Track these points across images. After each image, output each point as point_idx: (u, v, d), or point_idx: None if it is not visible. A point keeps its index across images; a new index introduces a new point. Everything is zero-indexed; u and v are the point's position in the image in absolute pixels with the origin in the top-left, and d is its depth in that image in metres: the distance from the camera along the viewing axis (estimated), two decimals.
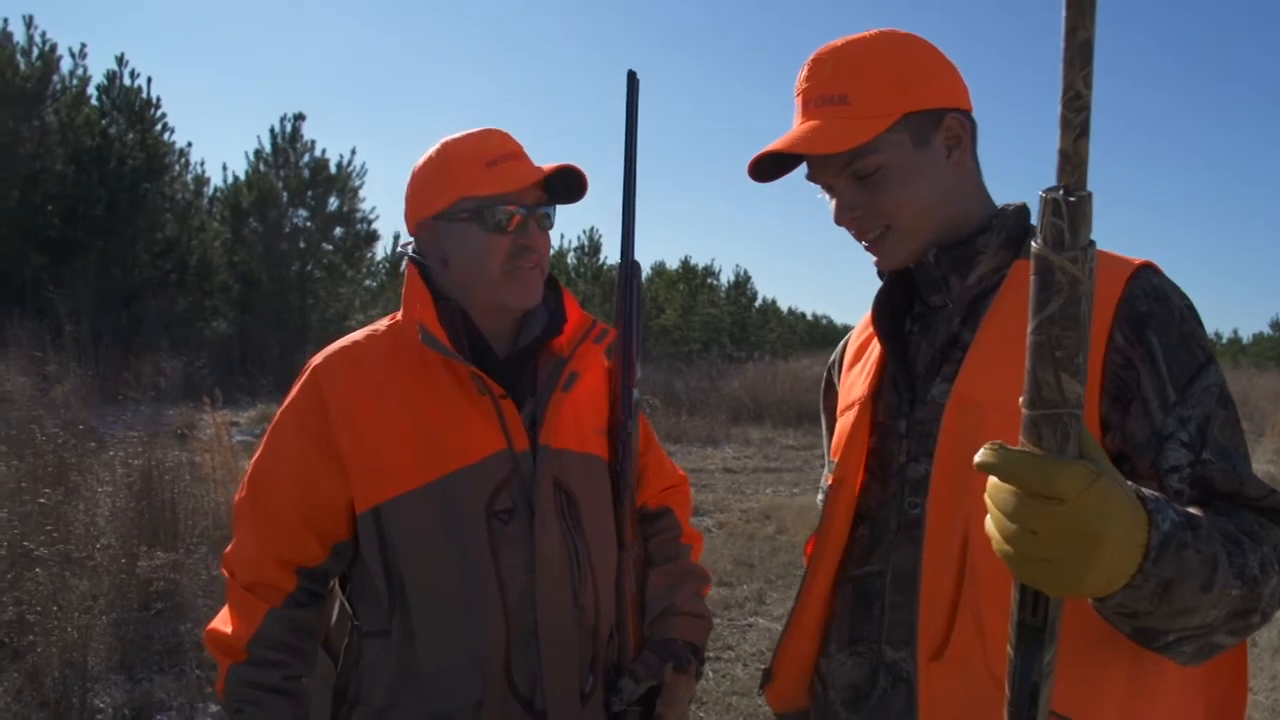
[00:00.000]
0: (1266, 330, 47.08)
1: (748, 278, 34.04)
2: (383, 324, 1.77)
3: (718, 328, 29.08)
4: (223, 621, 1.67)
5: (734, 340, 29.80)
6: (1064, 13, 0.82)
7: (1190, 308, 1.30)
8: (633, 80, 1.80)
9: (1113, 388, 1.26)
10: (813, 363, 23.78)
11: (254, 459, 1.73)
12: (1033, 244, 0.89)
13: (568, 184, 1.72)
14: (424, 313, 1.65)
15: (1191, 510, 1.10)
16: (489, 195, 1.64)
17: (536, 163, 1.72)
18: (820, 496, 1.72)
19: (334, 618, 1.78)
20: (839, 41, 1.42)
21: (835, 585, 1.49)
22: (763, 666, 5.22)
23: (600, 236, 28.32)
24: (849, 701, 1.45)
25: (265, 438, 1.73)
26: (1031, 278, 0.89)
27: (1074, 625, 1.02)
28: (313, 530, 1.65)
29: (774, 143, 1.40)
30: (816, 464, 13.15)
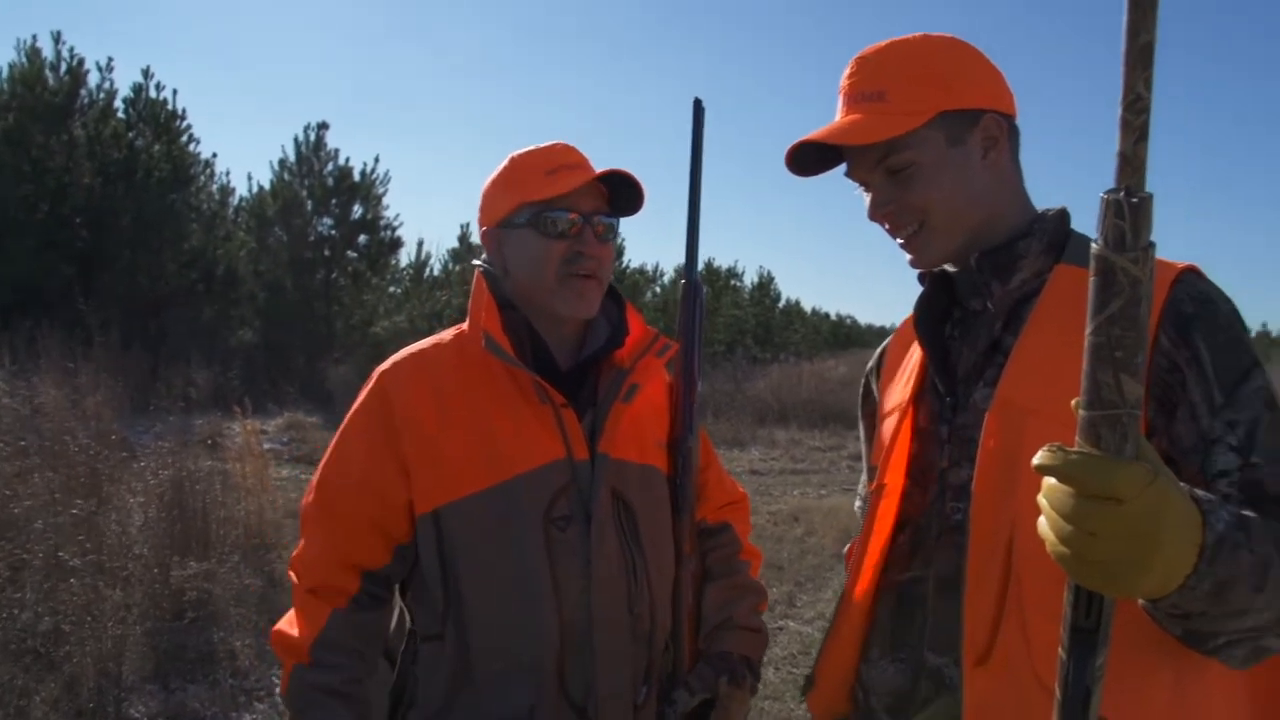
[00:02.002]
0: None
1: (771, 279, 34.07)
2: (449, 334, 1.80)
3: (742, 329, 29.05)
4: (288, 623, 1.69)
5: (758, 341, 29.78)
6: (1125, 15, 0.81)
7: (1235, 311, 1.29)
8: (698, 108, 1.81)
9: (1158, 391, 1.25)
10: (838, 363, 23.79)
11: (321, 464, 1.76)
12: (1093, 245, 0.89)
13: (627, 196, 1.74)
14: (489, 321, 1.67)
15: (1243, 512, 1.10)
16: (545, 200, 1.66)
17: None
18: (859, 503, 1.72)
19: (393, 622, 1.79)
20: (883, 43, 1.44)
21: (877, 591, 1.49)
22: (794, 670, 5.24)
23: (623, 240, 28.32)
24: (891, 708, 1.45)
25: (333, 443, 1.76)
26: (1091, 279, 0.89)
27: (1120, 631, 1.02)
28: (378, 532, 1.67)
29: (811, 133, 1.41)
30: (843, 466, 13.12)
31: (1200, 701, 1.25)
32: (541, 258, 1.67)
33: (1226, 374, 1.24)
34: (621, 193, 1.73)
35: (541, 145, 1.75)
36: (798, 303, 39.54)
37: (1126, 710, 1.19)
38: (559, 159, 1.71)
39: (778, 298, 34.65)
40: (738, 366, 20.53)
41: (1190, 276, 1.30)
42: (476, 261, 1.81)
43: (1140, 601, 1.12)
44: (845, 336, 48.35)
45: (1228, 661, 1.16)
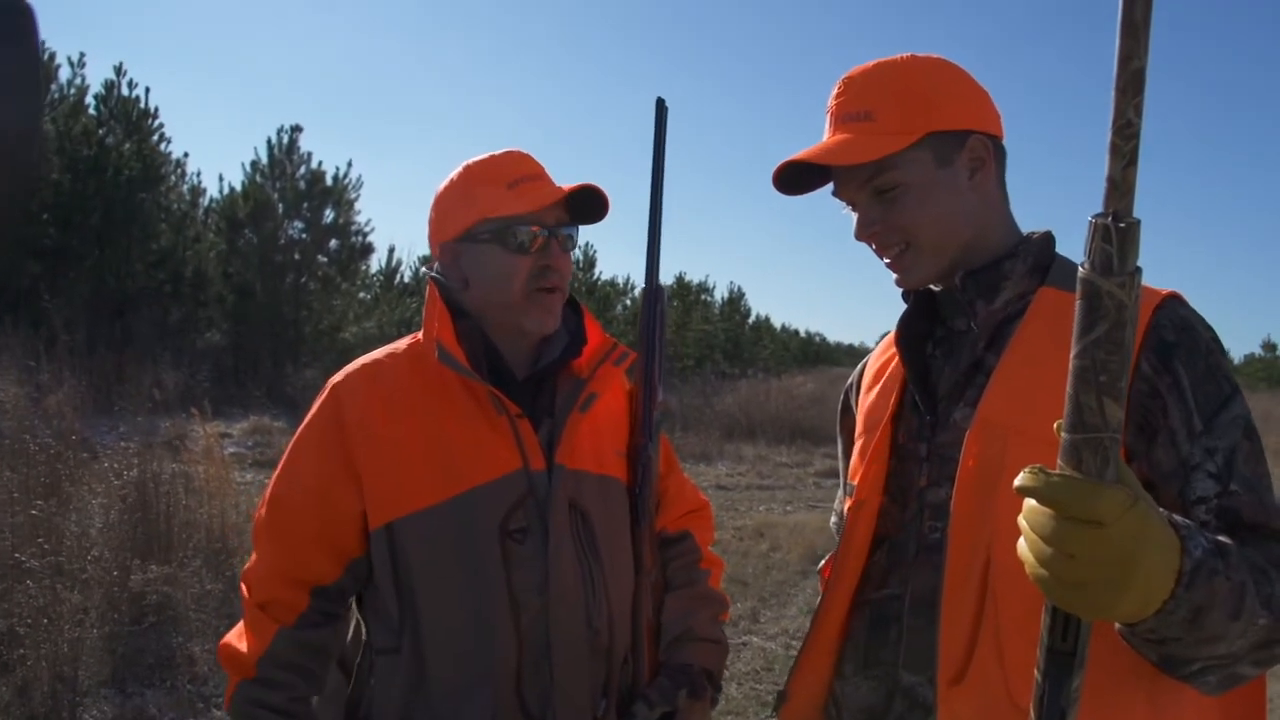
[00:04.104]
0: (1258, 351, 47.27)
1: (741, 294, 34.12)
2: (403, 343, 1.77)
3: (711, 344, 29.07)
4: (236, 637, 1.68)
5: (727, 357, 29.80)
6: (1118, 42, 0.82)
7: (1215, 339, 1.31)
8: (661, 108, 1.79)
9: (1138, 416, 1.26)
10: (806, 380, 23.82)
11: (273, 477, 1.73)
12: (1080, 268, 0.89)
13: (589, 204, 1.72)
14: (443, 332, 1.65)
15: (1220, 538, 1.11)
16: (511, 216, 1.65)
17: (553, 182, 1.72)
18: (835, 519, 1.72)
19: (349, 635, 1.77)
20: (870, 64, 1.44)
21: (852, 608, 1.49)
22: (757, 686, 5.24)
23: (595, 252, 28.34)
24: None
25: (285, 456, 1.73)
26: (1077, 302, 0.89)
27: (1095, 655, 1.02)
28: (328, 547, 1.65)
29: (798, 153, 1.42)
30: (810, 482, 13.16)
31: None
32: (508, 273, 1.66)
33: (1206, 401, 1.25)
34: (581, 200, 1.72)
35: (496, 154, 1.73)
36: (767, 319, 39.63)
37: None
38: (518, 170, 1.69)
39: (748, 313, 34.72)
40: (706, 381, 20.55)
41: (1172, 303, 1.31)
42: (429, 272, 1.79)
43: (1117, 626, 1.13)
44: (814, 354, 48.47)
45: (1201, 688, 1.17)
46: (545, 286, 1.67)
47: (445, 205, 1.74)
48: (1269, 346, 47.12)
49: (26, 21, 0.51)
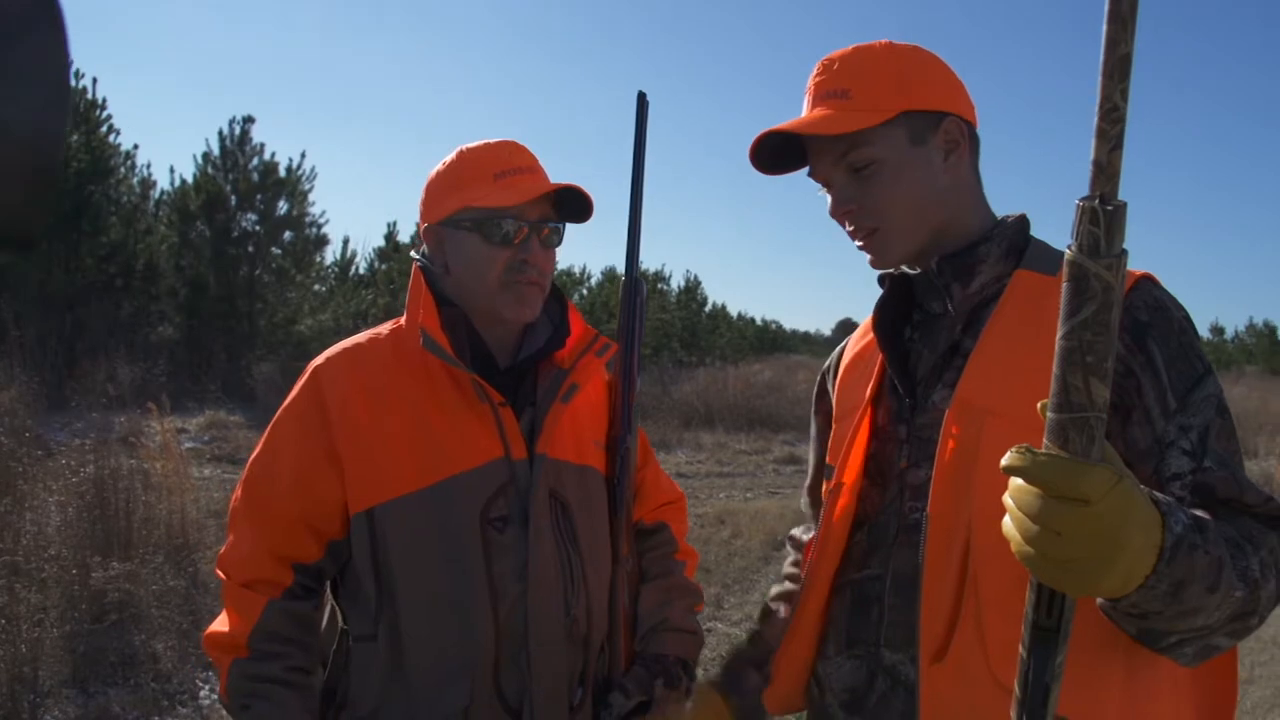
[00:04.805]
0: (1207, 335, 48.07)
1: (698, 283, 34.12)
2: (385, 328, 1.77)
3: (668, 333, 29.10)
4: (220, 623, 1.66)
5: (684, 345, 29.85)
6: (1105, 27, 0.83)
7: (1188, 319, 1.34)
8: (642, 101, 1.80)
9: (1113, 396, 1.28)
10: (763, 368, 23.94)
11: (251, 459, 1.72)
12: (1067, 250, 0.90)
13: (575, 203, 1.73)
14: (427, 318, 1.65)
15: (1199, 514, 1.14)
16: (493, 207, 1.65)
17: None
18: (804, 500, 1.74)
19: (324, 622, 1.77)
20: (849, 47, 1.47)
21: (833, 589, 1.51)
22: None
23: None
24: (847, 704, 1.47)
25: (264, 438, 1.72)
26: (1065, 284, 0.91)
27: (1075, 630, 1.04)
28: (309, 528, 1.64)
29: (776, 125, 1.44)
30: (769, 469, 13.22)
31: (1150, 697, 1.29)
32: (485, 263, 1.66)
33: (1180, 380, 1.28)
34: (568, 197, 1.72)
35: (491, 142, 1.73)
36: (724, 307, 39.70)
37: (1081, 707, 1.22)
38: (509, 161, 1.69)
39: (704, 302, 34.73)
40: (664, 370, 20.59)
41: (1146, 284, 1.34)
42: (415, 255, 1.79)
43: (1099, 601, 1.16)
44: (771, 341, 48.64)
45: (1178, 659, 1.21)
46: (521, 280, 1.68)
47: (434, 189, 1.73)
48: (1217, 330, 47.93)
49: (52, 11, 0.50)
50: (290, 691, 1.61)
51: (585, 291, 29.09)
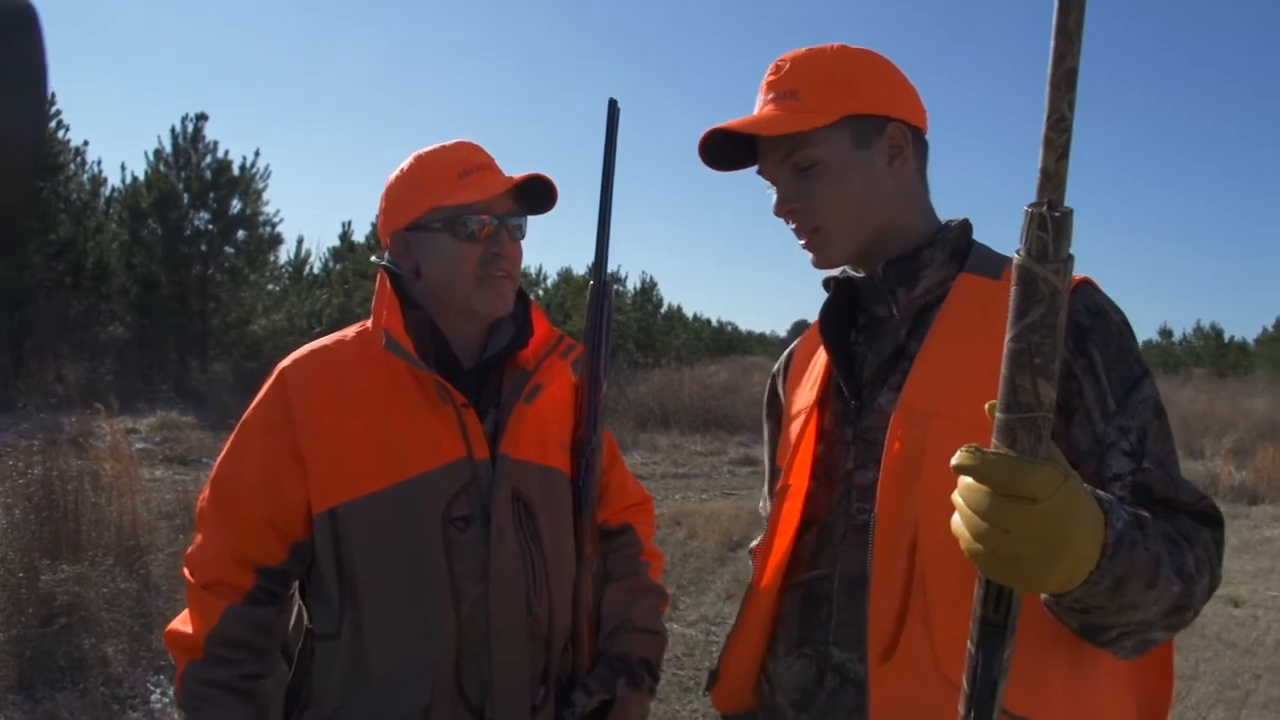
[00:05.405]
0: (1155, 338, 48.81)
1: (654, 284, 34.25)
2: (351, 331, 1.78)
3: (624, 334, 29.16)
4: (182, 621, 1.67)
5: (640, 347, 29.94)
6: (1052, 41, 0.86)
7: (1126, 323, 1.37)
8: (613, 108, 1.82)
9: (1058, 397, 1.31)
10: (719, 369, 24.01)
11: (218, 459, 1.73)
12: (1016, 255, 0.93)
13: (538, 194, 1.74)
14: (391, 320, 1.66)
15: (1139, 511, 1.17)
16: (461, 205, 1.66)
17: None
18: (764, 504, 1.76)
19: (292, 622, 1.77)
20: (803, 49, 1.49)
21: (782, 589, 1.52)
22: (679, 672, 5.29)
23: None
24: (797, 703, 1.48)
25: (231, 438, 1.73)
26: (1013, 287, 0.93)
27: (1020, 626, 1.07)
28: (274, 530, 1.65)
29: (723, 123, 1.46)
30: (724, 470, 13.26)
31: (1092, 690, 1.32)
32: (458, 261, 1.67)
33: (1119, 382, 1.31)
34: (530, 190, 1.74)
35: (447, 144, 1.74)
36: (680, 308, 39.84)
37: (1026, 700, 1.25)
38: (469, 160, 1.71)
39: (660, 303, 34.86)
40: (620, 371, 20.61)
41: (1085, 288, 1.37)
42: (379, 261, 1.79)
43: (1044, 596, 1.18)
44: (726, 343, 48.83)
45: (1118, 652, 1.24)
46: (495, 274, 1.69)
47: (396, 195, 1.74)
48: (1165, 333, 48.71)
49: (29, 20, 0.51)
50: (241, 699, 1.62)
51: (541, 292, 29.09)
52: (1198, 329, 47.04)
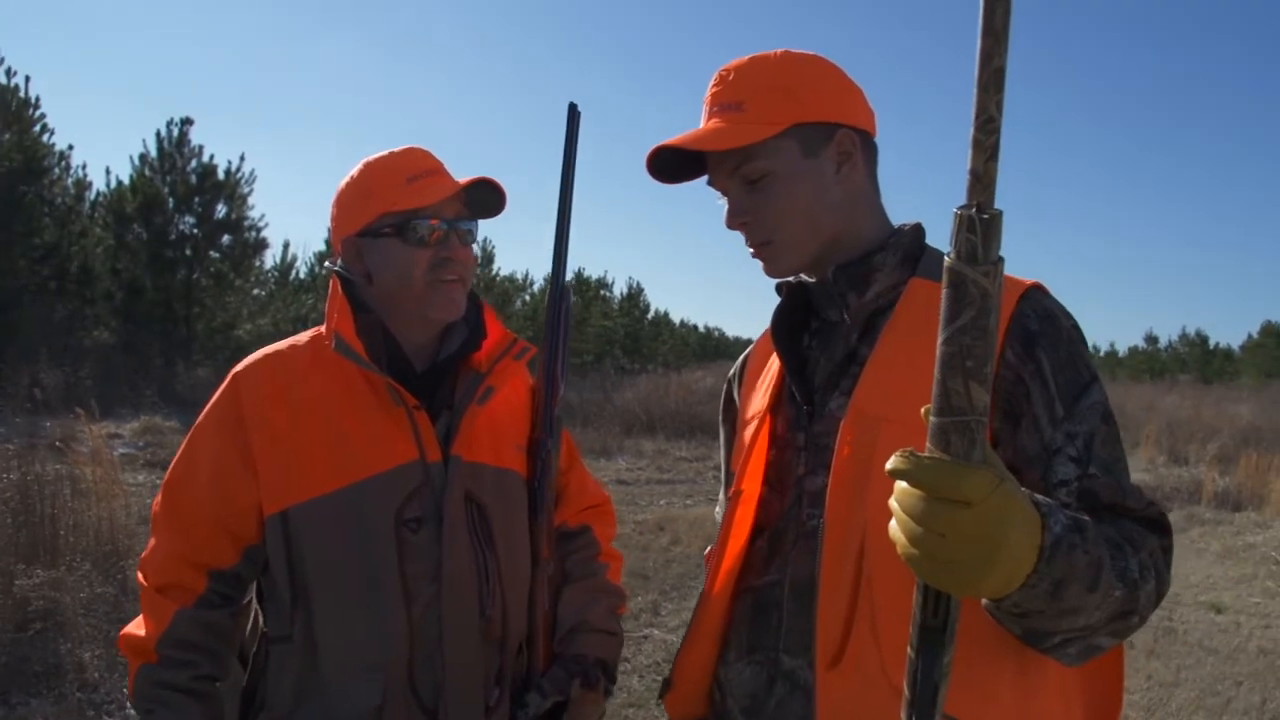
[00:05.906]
0: (1141, 344, 49.01)
1: (640, 290, 34.31)
2: (305, 336, 1.78)
3: (611, 339, 29.17)
4: (135, 625, 1.67)
5: (626, 352, 29.95)
6: (979, 42, 0.85)
7: (1076, 328, 1.36)
8: (573, 113, 1.81)
9: (1003, 403, 1.31)
10: (705, 374, 23.99)
11: (172, 464, 1.73)
12: (946, 258, 0.91)
13: (486, 198, 1.75)
14: (342, 324, 1.67)
15: (1079, 515, 1.16)
16: (410, 210, 1.66)
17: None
18: (719, 509, 1.75)
19: (249, 626, 1.77)
20: (746, 58, 1.48)
21: (734, 595, 1.52)
22: (659, 678, 5.27)
23: (493, 248, 28.26)
24: (747, 709, 1.47)
25: (184, 443, 1.74)
26: (944, 290, 0.92)
27: (965, 631, 1.06)
28: (226, 532, 1.66)
29: (669, 139, 1.45)
30: (709, 475, 13.24)
31: (1039, 696, 1.32)
32: (408, 265, 1.67)
33: (1068, 387, 1.31)
34: (479, 194, 1.74)
35: (396, 150, 1.75)
36: (666, 314, 39.90)
37: (971, 706, 1.24)
38: (417, 165, 1.72)
39: (647, 309, 34.89)
40: (606, 376, 20.61)
41: (1035, 293, 1.37)
42: (331, 265, 1.80)
43: (984, 601, 1.18)
44: (713, 348, 48.88)
45: (1062, 659, 1.24)
46: (446, 278, 1.69)
47: (346, 201, 1.75)
48: (1151, 340, 48.91)
49: None
50: (194, 700, 1.62)
51: (528, 298, 29.05)
52: (1183, 335, 47.30)
